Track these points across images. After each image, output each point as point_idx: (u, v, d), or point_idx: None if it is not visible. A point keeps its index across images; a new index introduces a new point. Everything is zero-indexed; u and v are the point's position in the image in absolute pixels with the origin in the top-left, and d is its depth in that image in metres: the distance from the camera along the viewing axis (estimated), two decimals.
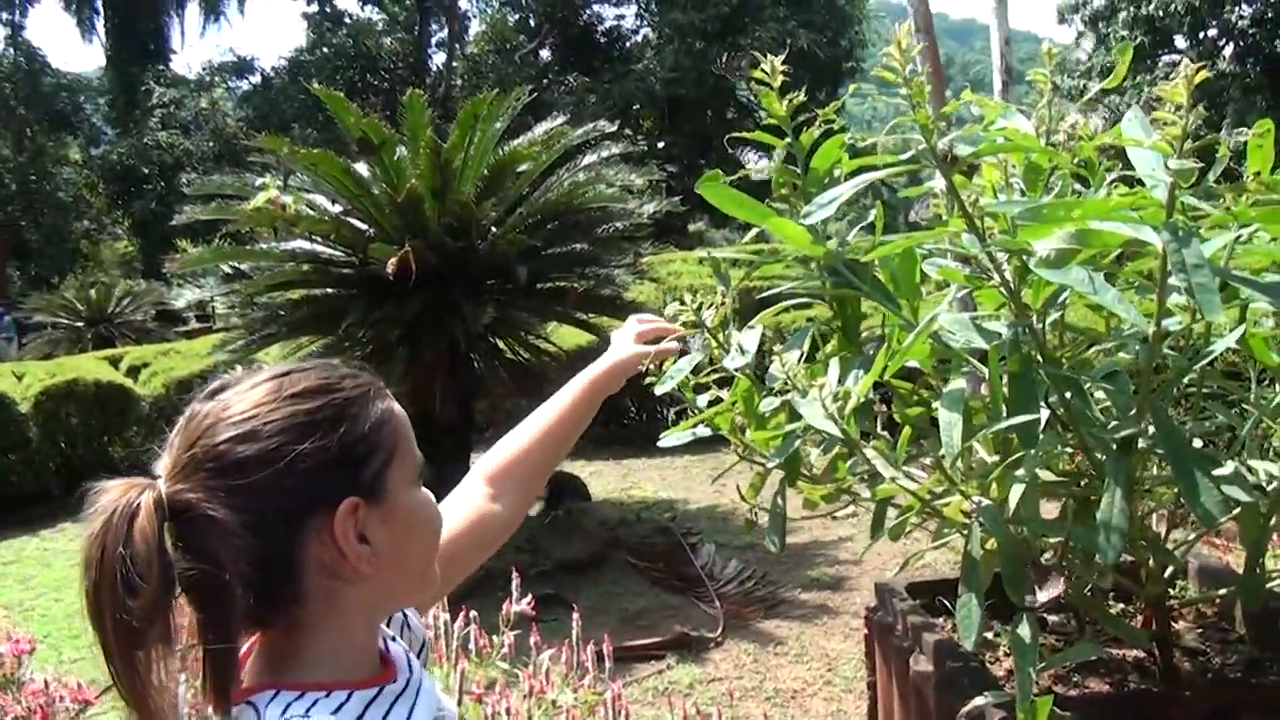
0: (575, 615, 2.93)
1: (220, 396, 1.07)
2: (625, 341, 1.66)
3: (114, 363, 11.02)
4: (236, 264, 6.80)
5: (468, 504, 1.49)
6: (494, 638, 2.93)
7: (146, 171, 31.32)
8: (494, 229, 6.32)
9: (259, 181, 6.33)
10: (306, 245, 6.46)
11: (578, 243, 6.82)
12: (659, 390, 1.71)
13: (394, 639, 1.21)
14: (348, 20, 34.27)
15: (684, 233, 22.13)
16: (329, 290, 6.55)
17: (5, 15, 33.43)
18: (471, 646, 2.76)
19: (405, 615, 1.28)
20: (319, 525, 1.04)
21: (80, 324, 17.06)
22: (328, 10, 34.12)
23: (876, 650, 2.51)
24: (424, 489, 1.16)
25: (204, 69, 36.37)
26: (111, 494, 0.99)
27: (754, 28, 27.56)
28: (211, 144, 30.99)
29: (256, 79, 35.43)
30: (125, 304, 17.29)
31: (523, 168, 6.49)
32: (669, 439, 1.88)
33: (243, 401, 1.06)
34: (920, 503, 1.53)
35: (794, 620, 5.16)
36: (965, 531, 1.51)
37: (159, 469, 1.04)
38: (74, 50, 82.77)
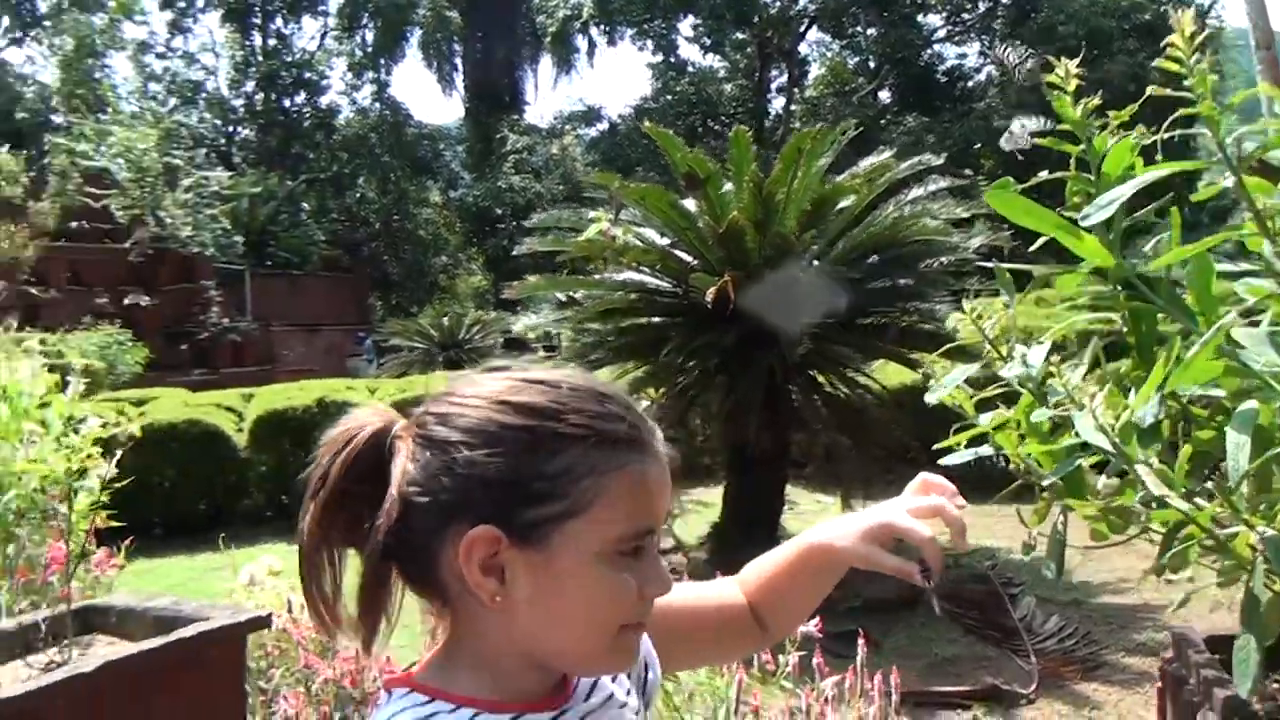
0: (860, 641, 2.89)
1: (483, 375, 1.09)
2: (879, 520, 1.27)
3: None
4: (571, 293, 7.20)
5: (717, 591, 1.39)
6: (780, 657, 2.94)
7: (500, 212, 33.72)
8: (814, 261, 6.37)
9: (591, 215, 6.69)
10: (635, 276, 6.75)
11: (900, 277, 6.74)
12: (929, 399, 1.67)
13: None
14: (690, 69, 35.53)
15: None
16: (653, 319, 6.79)
17: (372, 74, 36.92)
18: (754, 661, 2.78)
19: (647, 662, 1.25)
20: (457, 534, 1.00)
21: (433, 348, 18.50)
22: (672, 60, 35.50)
23: (1168, 705, 2.35)
24: (625, 577, 1.04)
25: (555, 118, 38.76)
26: (362, 412, 1.09)
27: (1103, 61, 26.32)
28: (561, 187, 32.94)
29: (604, 126, 37.44)
30: (474, 330, 18.60)
31: (845, 202, 6.50)
32: (950, 458, 1.81)
33: (480, 387, 1.06)
34: (1202, 532, 1.43)
35: (1114, 685, 4.84)
36: (1250, 567, 1.40)
37: None
38: (435, 103, 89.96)
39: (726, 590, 1.38)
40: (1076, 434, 1.50)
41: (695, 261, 6.47)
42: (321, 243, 30.58)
